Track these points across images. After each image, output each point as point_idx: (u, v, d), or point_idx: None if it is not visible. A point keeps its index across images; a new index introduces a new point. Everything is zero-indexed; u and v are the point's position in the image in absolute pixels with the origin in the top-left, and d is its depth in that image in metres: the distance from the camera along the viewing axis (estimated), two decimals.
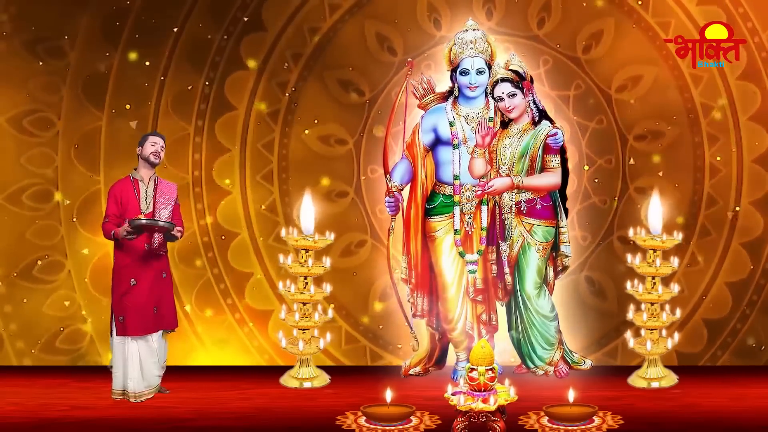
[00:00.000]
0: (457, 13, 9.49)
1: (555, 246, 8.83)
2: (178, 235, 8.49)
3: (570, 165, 8.87)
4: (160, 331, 8.55)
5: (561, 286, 9.17)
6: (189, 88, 9.57)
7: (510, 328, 8.88)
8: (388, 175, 8.84)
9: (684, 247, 9.43)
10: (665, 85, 9.52)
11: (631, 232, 8.95)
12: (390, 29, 9.59)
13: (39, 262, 9.60)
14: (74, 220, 9.63)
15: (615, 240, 9.55)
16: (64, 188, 9.65)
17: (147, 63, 9.56)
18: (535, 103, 8.73)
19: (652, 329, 8.78)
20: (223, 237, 9.66)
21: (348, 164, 9.67)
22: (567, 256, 8.86)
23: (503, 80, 8.64)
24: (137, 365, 8.41)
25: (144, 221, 8.31)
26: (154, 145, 8.48)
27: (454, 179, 8.75)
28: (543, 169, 8.70)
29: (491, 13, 9.49)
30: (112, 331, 8.47)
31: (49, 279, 9.67)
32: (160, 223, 8.36)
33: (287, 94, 9.61)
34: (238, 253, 9.69)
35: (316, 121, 9.61)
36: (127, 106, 9.59)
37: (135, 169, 8.52)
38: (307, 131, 9.60)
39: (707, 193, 9.56)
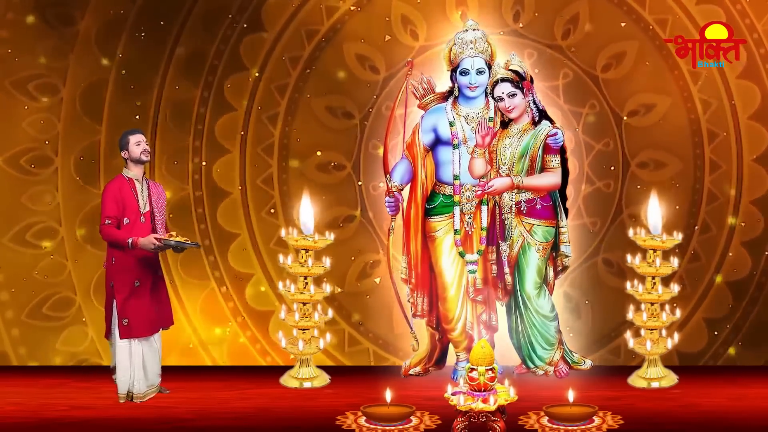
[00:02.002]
0: (433, 21, 9.47)
1: (555, 246, 8.83)
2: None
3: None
4: (161, 330, 8.55)
5: (580, 272, 9.32)
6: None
7: (510, 328, 8.88)
8: (388, 175, 8.85)
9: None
10: (650, 60, 9.50)
11: (630, 232, 8.96)
12: (369, 48, 9.57)
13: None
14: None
15: (626, 217, 9.53)
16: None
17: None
18: (535, 103, 8.73)
19: (652, 329, 8.78)
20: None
21: (351, 189, 9.65)
22: (567, 256, 8.86)
23: (503, 80, 8.65)
24: (141, 366, 8.40)
25: (173, 242, 8.30)
26: (139, 144, 8.38)
27: (454, 179, 8.76)
28: (543, 169, 8.71)
29: (465, 15, 9.48)
30: (111, 334, 8.43)
31: (61, 315, 9.68)
32: (188, 244, 8.37)
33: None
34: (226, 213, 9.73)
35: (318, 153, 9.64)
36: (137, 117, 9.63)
37: (126, 168, 8.44)
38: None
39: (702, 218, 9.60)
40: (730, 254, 9.53)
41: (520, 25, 9.45)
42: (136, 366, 8.37)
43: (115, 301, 8.34)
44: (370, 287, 9.58)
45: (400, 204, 8.86)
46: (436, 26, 9.45)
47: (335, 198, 9.58)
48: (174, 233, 8.40)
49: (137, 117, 9.55)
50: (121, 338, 8.34)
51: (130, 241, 8.26)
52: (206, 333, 9.66)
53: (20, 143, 9.61)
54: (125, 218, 8.33)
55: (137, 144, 8.39)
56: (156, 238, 8.26)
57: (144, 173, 8.48)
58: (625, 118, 9.50)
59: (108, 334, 8.46)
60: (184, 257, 9.51)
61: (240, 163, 9.65)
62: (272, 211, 9.65)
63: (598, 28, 9.49)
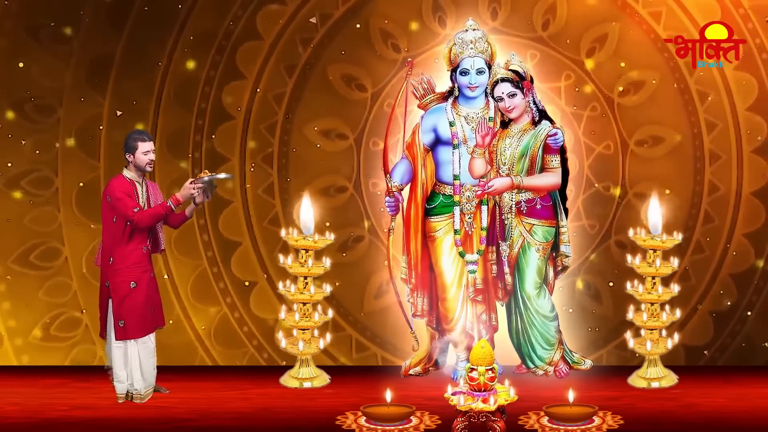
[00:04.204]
0: (412, 31, 9.47)
1: (555, 246, 8.83)
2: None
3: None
4: (155, 330, 8.55)
5: (595, 256, 9.44)
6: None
7: (510, 328, 8.89)
8: (388, 175, 8.85)
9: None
10: (631, 38, 9.50)
11: (631, 233, 8.96)
12: (353, 67, 9.54)
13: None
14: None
15: (632, 197, 9.53)
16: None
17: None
18: (535, 103, 8.73)
19: (652, 329, 8.78)
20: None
21: (356, 209, 9.63)
22: (567, 256, 8.86)
23: (503, 80, 8.65)
24: (138, 367, 8.39)
25: (206, 179, 8.28)
26: (146, 154, 8.29)
27: (454, 179, 8.76)
28: (543, 169, 8.71)
29: (443, 21, 9.46)
30: (107, 335, 8.43)
31: (67, 335, 9.66)
32: (221, 176, 8.36)
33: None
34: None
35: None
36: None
37: (125, 168, 8.39)
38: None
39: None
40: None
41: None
42: (134, 367, 8.37)
43: (111, 301, 8.34)
44: (391, 302, 9.47)
45: (400, 204, 8.87)
46: (416, 36, 9.45)
47: (341, 220, 9.55)
48: (206, 171, 8.39)
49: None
50: (116, 339, 8.34)
51: (170, 203, 8.24)
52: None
53: (21, 165, 9.62)
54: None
55: (145, 153, 8.30)
56: (191, 181, 8.26)
57: (144, 176, 8.45)
58: (617, 100, 9.49)
59: (103, 332, 8.47)
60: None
61: (244, 212, 9.69)
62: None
63: (577, 15, 9.48)
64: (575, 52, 9.47)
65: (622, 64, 9.45)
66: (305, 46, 9.53)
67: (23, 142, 9.56)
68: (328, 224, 9.15)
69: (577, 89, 9.48)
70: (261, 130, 9.59)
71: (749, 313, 9.52)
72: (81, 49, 9.53)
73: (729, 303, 9.53)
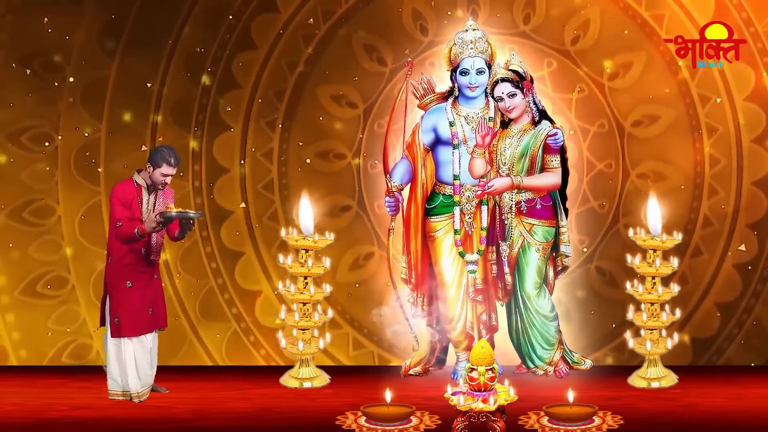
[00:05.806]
0: (395, 43, 9.46)
1: (555, 246, 8.83)
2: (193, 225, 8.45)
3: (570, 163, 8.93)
4: (155, 331, 8.54)
5: (605, 244, 9.43)
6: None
7: (510, 328, 8.89)
8: (388, 175, 8.85)
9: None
10: (616, 25, 9.48)
11: (631, 233, 8.96)
12: (341, 86, 9.54)
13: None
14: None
15: (635, 178, 9.53)
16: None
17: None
18: (535, 103, 8.73)
19: (652, 329, 8.79)
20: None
21: (362, 227, 9.61)
22: (567, 256, 8.86)
23: (503, 80, 8.65)
24: (133, 365, 8.40)
25: (174, 213, 8.20)
26: (165, 176, 8.30)
27: (454, 179, 8.76)
28: (543, 169, 8.71)
29: (425, 29, 9.47)
30: (105, 331, 8.46)
31: (78, 362, 9.66)
32: (191, 214, 8.27)
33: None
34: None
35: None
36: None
37: (138, 173, 8.43)
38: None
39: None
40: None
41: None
42: (128, 366, 8.38)
43: (108, 298, 8.38)
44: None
45: (400, 204, 8.87)
46: (399, 48, 9.45)
47: (349, 237, 9.53)
48: (171, 206, 8.34)
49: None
50: (111, 336, 8.37)
51: (136, 230, 8.24)
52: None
53: (20, 195, 9.62)
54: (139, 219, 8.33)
55: (164, 175, 8.31)
56: (156, 215, 8.23)
57: None
58: (607, 85, 9.49)
59: (102, 323, 8.50)
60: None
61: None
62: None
63: (557, 4, 9.48)
64: (559, 42, 9.46)
65: (608, 64, 9.47)
66: (292, 69, 9.55)
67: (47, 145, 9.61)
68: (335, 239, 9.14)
69: (579, 90, 9.49)
70: (256, 156, 9.61)
71: None
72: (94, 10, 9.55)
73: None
